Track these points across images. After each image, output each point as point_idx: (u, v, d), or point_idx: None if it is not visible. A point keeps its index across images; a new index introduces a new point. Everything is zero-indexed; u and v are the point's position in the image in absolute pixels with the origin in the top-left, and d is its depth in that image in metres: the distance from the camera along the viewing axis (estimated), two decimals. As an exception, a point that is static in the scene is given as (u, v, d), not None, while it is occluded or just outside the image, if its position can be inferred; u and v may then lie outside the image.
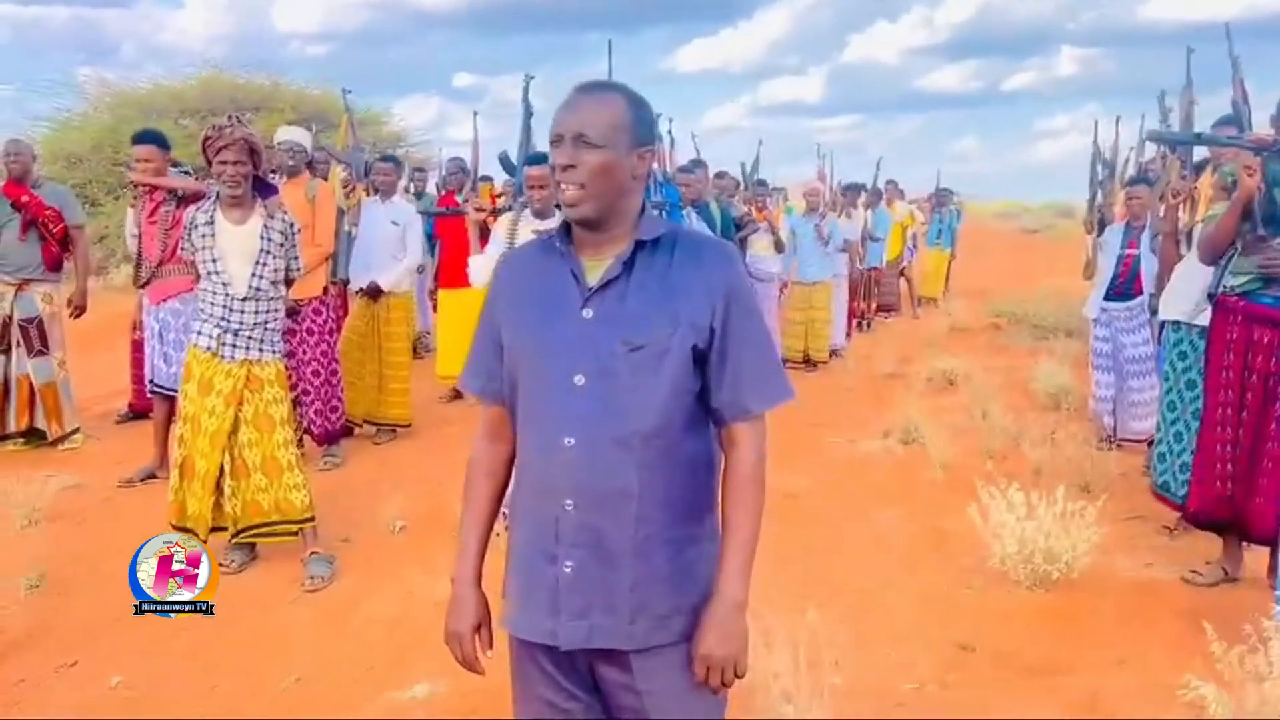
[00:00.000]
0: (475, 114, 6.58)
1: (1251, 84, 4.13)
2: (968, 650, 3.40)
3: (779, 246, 8.47)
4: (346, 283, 6.03)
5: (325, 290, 5.42)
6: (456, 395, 7.20)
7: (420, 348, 8.44)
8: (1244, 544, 3.93)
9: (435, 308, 7.38)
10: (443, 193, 7.93)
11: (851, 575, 4.08)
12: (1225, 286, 3.80)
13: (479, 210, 4.76)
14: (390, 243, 5.91)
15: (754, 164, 8.98)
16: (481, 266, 4.21)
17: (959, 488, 4.72)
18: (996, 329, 11.45)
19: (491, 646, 1.73)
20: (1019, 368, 8.29)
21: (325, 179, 5.84)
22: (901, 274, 12.93)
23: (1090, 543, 3.81)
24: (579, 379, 1.57)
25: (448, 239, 6.70)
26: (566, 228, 1.66)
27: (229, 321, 3.82)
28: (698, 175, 6.54)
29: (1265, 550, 3.78)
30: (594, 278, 1.60)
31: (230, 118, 3.81)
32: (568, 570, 1.59)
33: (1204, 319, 4.03)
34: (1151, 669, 3.18)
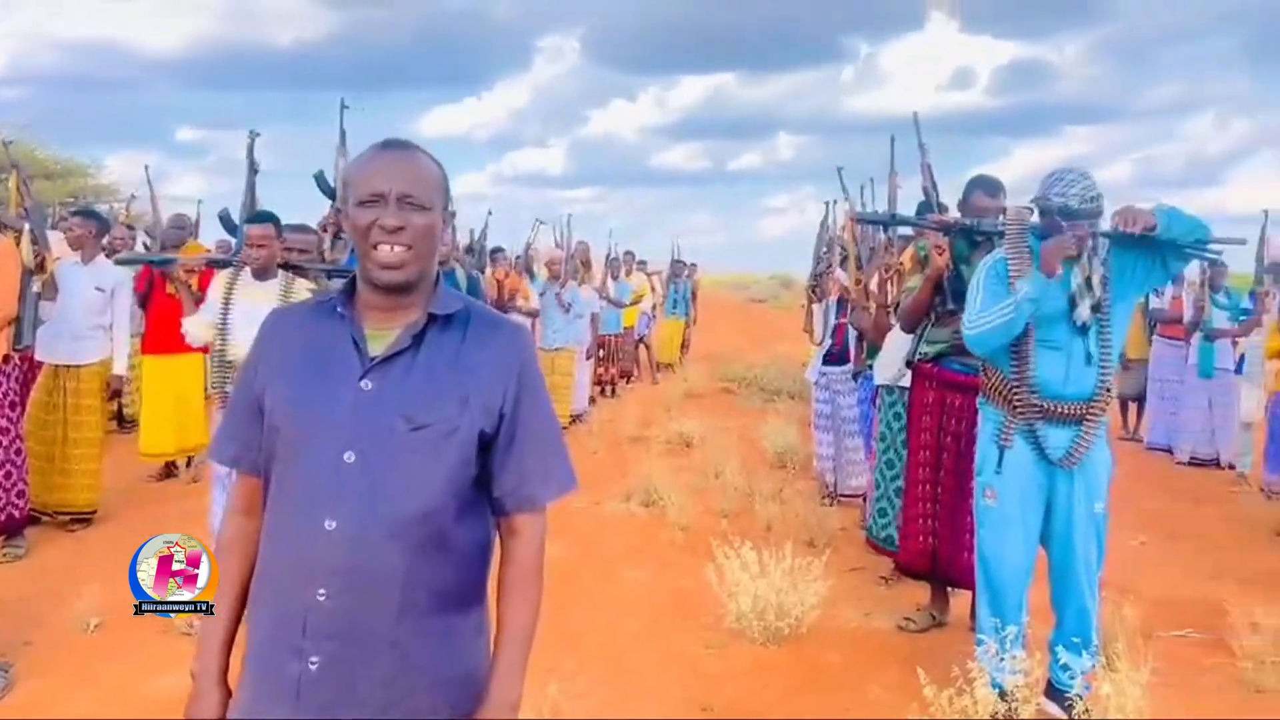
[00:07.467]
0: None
1: (944, 171, 4.55)
2: (707, 711, 3.45)
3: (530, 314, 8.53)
4: (30, 349, 5.29)
5: (6, 359, 4.78)
6: (167, 473, 6.57)
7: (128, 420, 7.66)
8: (949, 589, 4.27)
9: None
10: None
11: (598, 640, 4.05)
12: (921, 353, 4.16)
13: (189, 272, 4.36)
14: (94, 310, 5.30)
15: (483, 232, 9.00)
16: (195, 327, 3.88)
17: (698, 547, 4.83)
18: (729, 392, 12.04)
19: None
20: (749, 428, 8.72)
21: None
22: (640, 341, 13.33)
23: (818, 596, 4.00)
24: (349, 456, 1.42)
25: (157, 298, 6.11)
26: (350, 290, 1.53)
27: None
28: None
29: (968, 593, 4.07)
30: (377, 347, 1.47)
31: None
32: (313, 667, 1.42)
33: (907, 382, 4.39)
34: (874, 714, 3.36)
